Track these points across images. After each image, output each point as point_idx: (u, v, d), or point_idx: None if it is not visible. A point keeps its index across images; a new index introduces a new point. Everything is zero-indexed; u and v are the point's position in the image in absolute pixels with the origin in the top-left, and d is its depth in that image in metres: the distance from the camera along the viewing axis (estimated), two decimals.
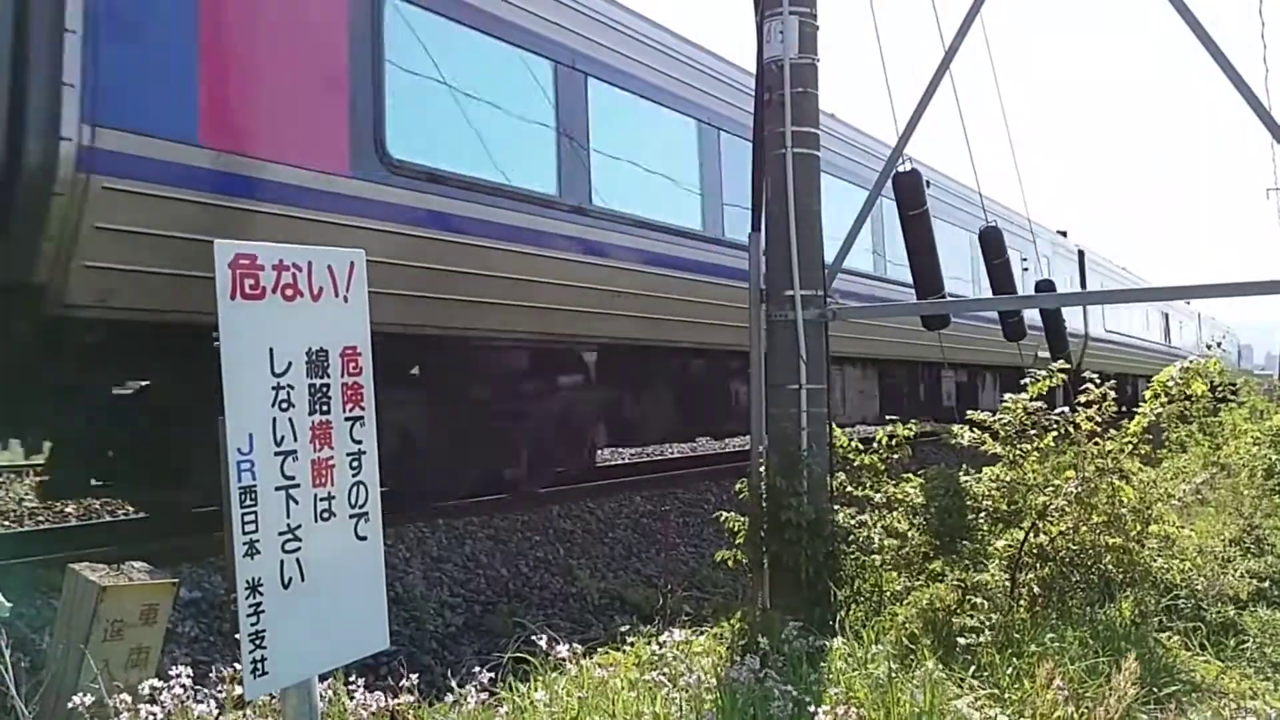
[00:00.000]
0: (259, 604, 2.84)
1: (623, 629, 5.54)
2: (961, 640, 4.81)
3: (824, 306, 6.60)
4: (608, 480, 13.54)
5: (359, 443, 3.15)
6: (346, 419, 3.11)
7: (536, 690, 4.09)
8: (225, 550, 5.58)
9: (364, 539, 3.18)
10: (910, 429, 6.45)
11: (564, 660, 4.32)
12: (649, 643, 5.00)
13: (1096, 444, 5.88)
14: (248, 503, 2.82)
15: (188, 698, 3.67)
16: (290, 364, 2.94)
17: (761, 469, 6.22)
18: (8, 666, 3.76)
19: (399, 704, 3.93)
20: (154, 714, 3.54)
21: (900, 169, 8.69)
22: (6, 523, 10.13)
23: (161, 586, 4.57)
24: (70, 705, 3.63)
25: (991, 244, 14.29)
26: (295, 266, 2.95)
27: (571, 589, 8.96)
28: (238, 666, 2.94)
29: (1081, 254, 24.62)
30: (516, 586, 8.83)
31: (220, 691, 3.82)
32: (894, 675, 4.19)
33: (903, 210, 9.60)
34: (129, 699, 3.61)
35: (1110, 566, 5.87)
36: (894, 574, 5.87)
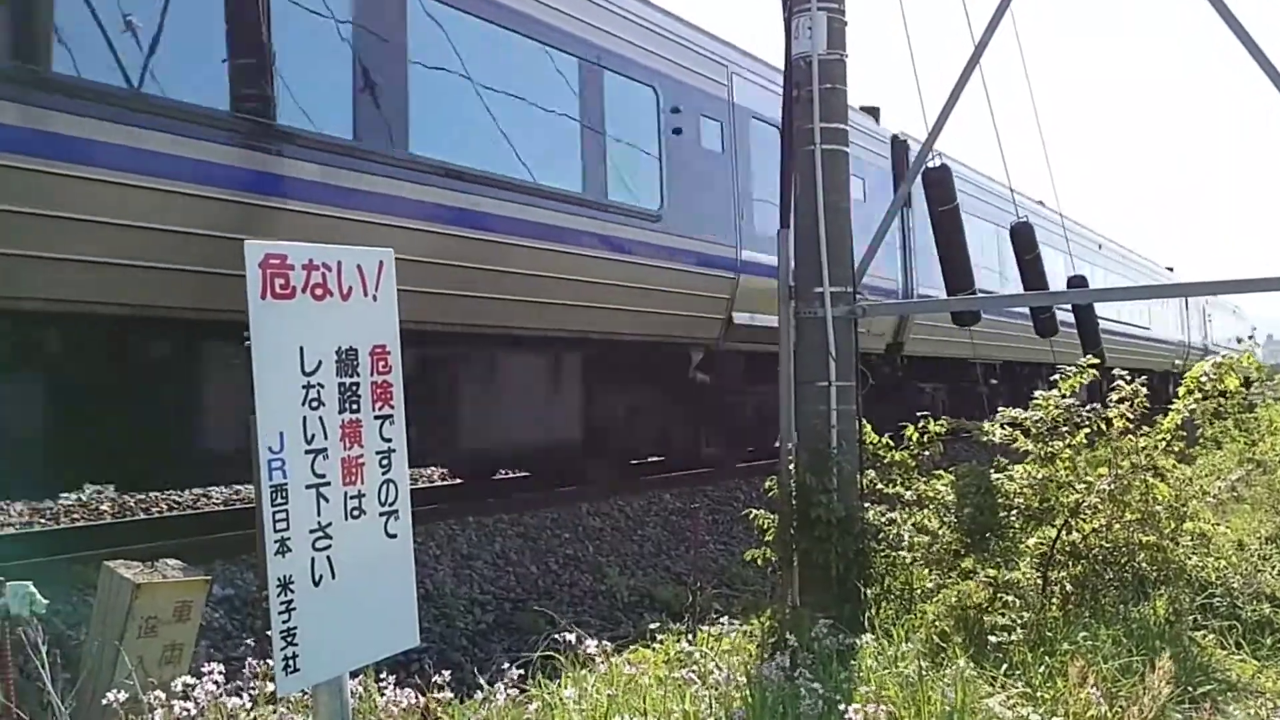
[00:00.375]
0: (290, 601, 2.85)
1: (652, 626, 5.55)
2: (993, 638, 4.78)
3: (853, 303, 6.57)
4: (637, 477, 13.53)
5: (388, 441, 3.16)
6: (376, 417, 3.12)
7: (566, 687, 4.10)
8: (257, 548, 5.62)
9: (394, 537, 3.19)
10: (942, 426, 6.41)
11: (593, 657, 4.32)
12: (678, 640, 5.00)
13: (1130, 441, 5.83)
14: (279, 501, 2.83)
15: (221, 694, 3.70)
16: (320, 363, 2.96)
17: (791, 466, 6.21)
18: (44, 663, 3.80)
19: (431, 700, 3.94)
20: (188, 710, 3.57)
21: (930, 164, 8.64)
22: (42, 520, 10.25)
23: (195, 584, 4.61)
24: (105, 701, 3.66)
25: (1022, 239, 14.24)
26: (325, 266, 2.96)
27: (601, 586, 8.97)
28: (270, 663, 2.96)
29: (900, 147, 15.11)
30: (546, 584, 8.86)
31: (253, 688, 3.84)
32: (925, 673, 4.17)
33: (932, 206, 9.56)
34: (163, 695, 3.63)
35: (1144, 564, 5.82)
36: (924, 571, 5.84)
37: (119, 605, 4.36)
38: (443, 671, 4.11)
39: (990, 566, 5.45)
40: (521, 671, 4.22)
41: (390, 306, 3.17)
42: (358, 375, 3.07)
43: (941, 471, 6.30)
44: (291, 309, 2.88)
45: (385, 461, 3.15)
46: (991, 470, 6.01)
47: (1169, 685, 4.07)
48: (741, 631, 5.39)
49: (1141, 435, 5.90)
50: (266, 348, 2.84)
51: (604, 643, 4.52)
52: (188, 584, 4.57)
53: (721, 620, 5.58)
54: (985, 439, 6.24)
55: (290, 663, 2.84)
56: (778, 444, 6.51)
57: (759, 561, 6.30)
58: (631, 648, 5.23)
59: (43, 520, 10.25)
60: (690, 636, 5.29)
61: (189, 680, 3.73)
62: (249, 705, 3.74)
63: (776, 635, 5.08)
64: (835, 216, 6.54)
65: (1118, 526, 5.73)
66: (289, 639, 2.84)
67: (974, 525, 5.79)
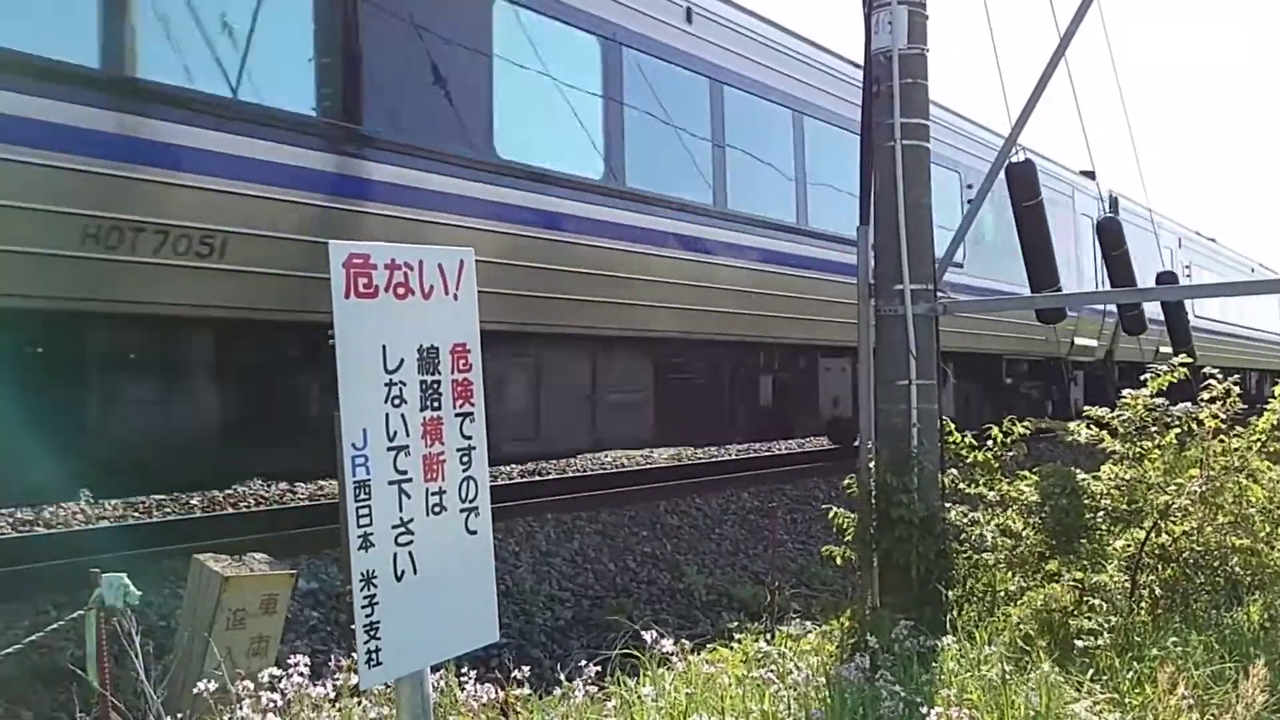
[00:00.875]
0: (373, 596, 2.89)
1: (730, 625, 5.54)
2: (1079, 643, 4.68)
3: (934, 300, 6.48)
4: (714, 476, 13.52)
5: (469, 438, 3.19)
6: (457, 415, 3.15)
7: (644, 685, 4.11)
8: (341, 543, 5.72)
9: (474, 533, 3.22)
10: (1027, 426, 6.30)
11: (671, 656, 4.32)
12: (757, 639, 4.98)
13: (1222, 441, 5.68)
14: (362, 497, 2.87)
15: (306, 686, 3.77)
16: (402, 361, 2.99)
17: (871, 465, 6.15)
18: (138, 653, 3.91)
19: (511, 695, 3.98)
20: (274, 701, 3.64)
21: (1013, 159, 8.50)
22: (136, 513, 10.54)
23: (281, 577, 4.71)
24: (196, 691, 3.75)
25: (1110, 235, 13.96)
26: (407, 265, 3.00)
27: (679, 585, 8.98)
28: (354, 656, 3.01)
29: None
30: (624, 582, 8.88)
31: (337, 680, 3.91)
32: (1008, 677, 4.10)
33: (1016, 202, 9.42)
34: (251, 686, 3.71)
35: (1237, 568, 5.66)
36: (1008, 574, 5.74)
37: (208, 598, 4.47)
38: (522, 667, 4.15)
39: (1076, 569, 5.34)
40: (600, 668, 4.23)
41: (471, 305, 3.20)
42: (439, 373, 3.10)
43: (1025, 472, 6.19)
44: (374, 308, 2.92)
45: (465, 459, 3.18)
46: (1077, 471, 5.90)
47: (1264, 693, 3.95)
48: (820, 632, 5.36)
49: (1234, 436, 5.75)
50: (350, 346, 2.88)
51: (682, 641, 4.53)
52: (274, 577, 4.67)
53: (800, 620, 5.55)
54: (1070, 439, 6.13)
55: (373, 656, 2.88)
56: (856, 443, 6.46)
57: (838, 561, 6.25)
58: (710, 647, 5.22)
59: (135, 514, 10.53)
60: (768, 636, 5.27)
61: (275, 671, 3.81)
62: (334, 697, 3.80)
63: (856, 636, 5.05)
64: (916, 213, 6.46)
65: (1209, 529, 5.58)
66: (372, 633, 2.88)
67: (1059, 527, 5.68)
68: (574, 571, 8.78)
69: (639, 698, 3.97)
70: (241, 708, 3.62)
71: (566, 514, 9.82)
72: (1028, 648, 4.80)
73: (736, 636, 5.30)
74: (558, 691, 4.19)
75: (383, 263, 2.94)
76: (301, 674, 3.80)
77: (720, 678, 4.16)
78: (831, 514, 6.27)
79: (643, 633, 4.44)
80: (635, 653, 4.50)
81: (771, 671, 4.16)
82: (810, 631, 5.32)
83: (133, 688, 4.06)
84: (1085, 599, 5.13)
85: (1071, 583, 5.23)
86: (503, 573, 7.93)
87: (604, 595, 8.44)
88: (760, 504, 11.75)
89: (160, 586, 6.31)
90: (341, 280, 2.84)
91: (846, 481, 6.47)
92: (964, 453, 6.33)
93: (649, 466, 15.18)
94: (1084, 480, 5.81)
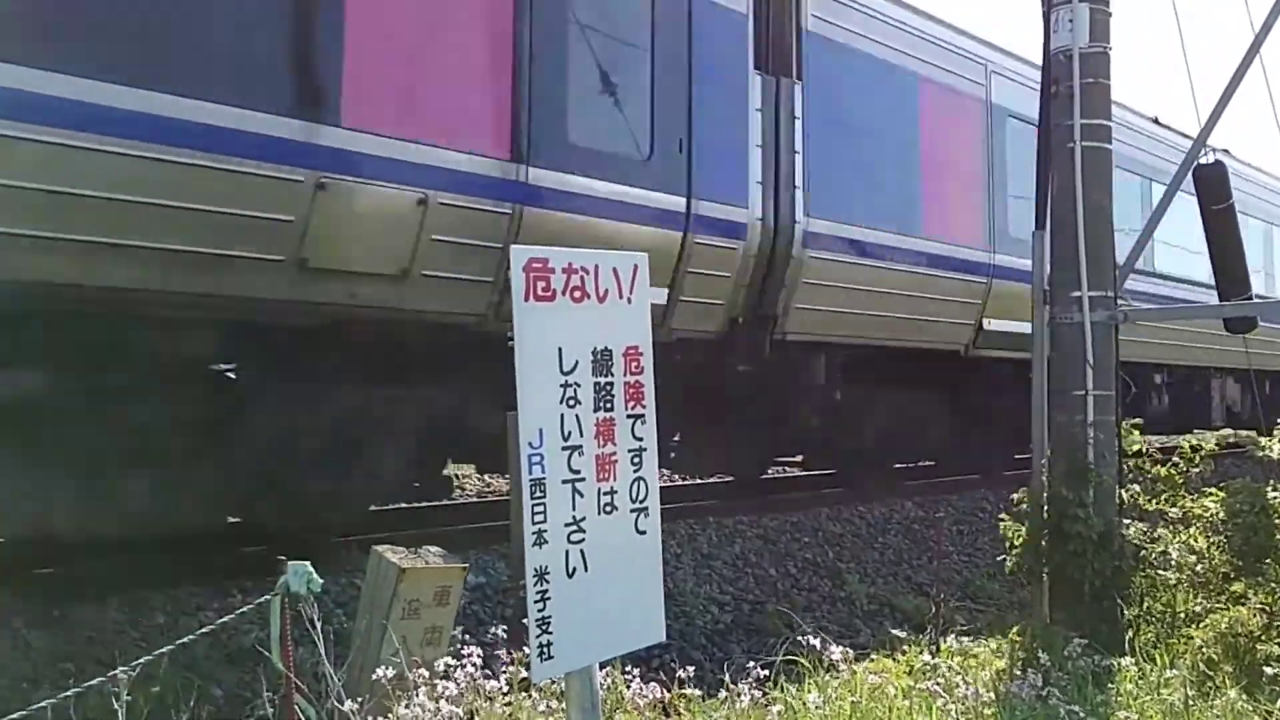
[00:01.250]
0: (545, 591, 2.96)
1: (894, 636, 5.46)
2: (1268, 670, 4.47)
3: (1114, 308, 6.25)
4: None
5: (640, 440, 3.23)
6: (628, 416, 3.20)
7: (809, 692, 4.09)
8: (512, 539, 5.85)
9: (643, 533, 3.26)
10: (1216, 441, 6.02)
11: (837, 663, 4.29)
12: (922, 651, 4.90)
13: None
14: (537, 495, 2.93)
15: (479, 676, 3.88)
16: (577, 362, 3.05)
17: (1044, 477, 5.97)
18: (319, 638, 4.08)
19: (676, 695, 4.01)
20: (449, 689, 3.76)
21: (1202, 160, 8.12)
22: None
23: (453, 570, 4.85)
24: (375, 676, 3.90)
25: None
26: (583, 269, 3.06)
27: (840, 593, 8.88)
28: (525, 650, 3.08)
29: None
30: (784, 587, 8.83)
31: (505, 672, 4.01)
32: (1191, 702, 3.94)
33: (1204, 205, 9.00)
34: (426, 674, 3.84)
35: None
36: (1190, 594, 5.50)
37: (386, 588, 4.63)
38: (686, 668, 4.18)
39: (1264, 592, 5.09)
40: (765, 673, 4.23)
41: (643, 308, 3.25)
42: (612, 375, 3.15)
43: (1210, 489, 5.92)
44: (552, 311, 2.99)
45: (636, 460, 3.22)
46: (1269, 489, 5.60)
47: None
48: (989, 647, 5.24)
49: None
50: (528, 348, 2.96)
51: (846, 650, 4.48)
52: (447, 570, 4.81)
53: (965, 634, 5.43)
54: (1261, 454, 5.84)
55: (545, 650, 2.95)
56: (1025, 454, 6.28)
57: (1007, 573, 6.09)
58: (873, 656, 5.16)
59: None
60: (933, 648, 5.18)
61: (449, 661, 3.93)
62: (505, 689, 3.90)
63: (1027, 652, 4.91)
64: (1095, 216, 6.26)
65: None
66: (544, 627, 2.95)
67: (1246, 546, 5.41)
68: (735, 575, 8.77)
69: (804, 704, 3.96)
70: (418, 694, 3.75)
71: (728, 518, 9.82)
72: (1210, 673, 4.61)
73: (900, 648, 5.22)
74: (722, 694, 4.20)
75: (560, 267, 3.00)
76: (475, 664, 3.91)
77: (886, 688, 4.11)
78: (1003, 526, 6.11)
79: (809, 639, 4.42)
80: (798, 658, 4.48)
81: (938, 685, 4.08)
82: (978, 646, 5.19)
83: (313, 671, 4.24)
84: (1275, 624, 4.88)
85: (1259, 606, 4.98)
86: (665, 574, 7.95)
87: (764, 600, 8.41)
88: (925, 514, 11.50)
89: (336, 576, 6.56)
90: (522, 284, 2.92)
91: (1017, 495, 6.29)
92: (1146, 466, 6.09)
93: (811, 474, 15.05)
94: (1275, 498, 5.52)
